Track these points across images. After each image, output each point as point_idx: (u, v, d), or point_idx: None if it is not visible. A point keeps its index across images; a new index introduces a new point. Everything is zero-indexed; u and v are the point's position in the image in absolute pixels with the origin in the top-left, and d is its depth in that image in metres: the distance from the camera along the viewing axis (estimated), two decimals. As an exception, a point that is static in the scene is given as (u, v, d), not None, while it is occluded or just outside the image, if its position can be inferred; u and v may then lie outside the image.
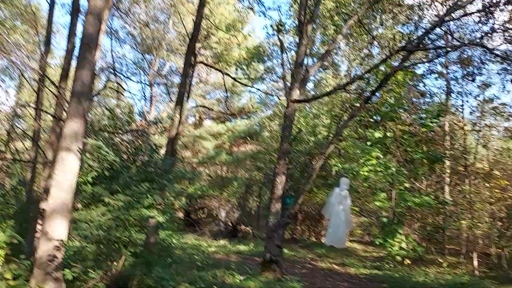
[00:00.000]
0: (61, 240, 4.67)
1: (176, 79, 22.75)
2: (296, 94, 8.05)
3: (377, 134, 11.29)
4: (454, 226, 14.42)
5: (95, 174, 5.67)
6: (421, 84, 14.97)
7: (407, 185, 11.86)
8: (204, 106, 12.05)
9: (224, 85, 11.48)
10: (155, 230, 10.09)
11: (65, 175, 4.75)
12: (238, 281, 7.35)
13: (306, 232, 20.89)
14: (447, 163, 16.29)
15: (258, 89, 12.90)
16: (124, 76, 15.88)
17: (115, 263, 5.66)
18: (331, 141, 7.62)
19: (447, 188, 15.43)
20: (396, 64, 9.31)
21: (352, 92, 10.75)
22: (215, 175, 20.72)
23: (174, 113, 10.42)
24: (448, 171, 16.43)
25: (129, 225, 5.66)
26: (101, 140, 5.93)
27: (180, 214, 24.03)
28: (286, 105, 8.32)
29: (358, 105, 10.77)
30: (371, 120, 12.32)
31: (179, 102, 10.39)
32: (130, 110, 23.24)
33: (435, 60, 10.96)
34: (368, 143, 11.80)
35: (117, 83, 14.12)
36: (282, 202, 8.31)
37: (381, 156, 11.40)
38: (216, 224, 17.53)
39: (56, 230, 4.68)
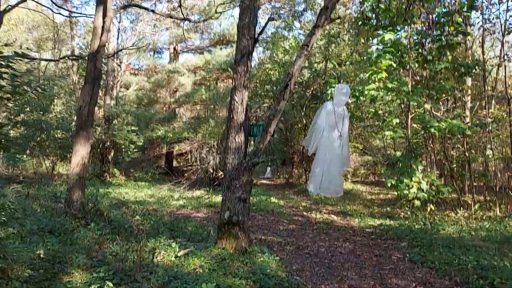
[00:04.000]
0: None
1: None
2: None
3: (388, 36, 8.08)
4: (481, 158, 11.67)
5: None
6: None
7: (427, 106, 8.84)
8: (138, 6, 8.79)
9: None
10: (79, 184, 7.28)
11: None
12: (173, 258, 4.58)
13: (303, 176, 18.19)
14: (469, 82, 13.26)
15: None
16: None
17: None
18: (316, 24, 4.52)
19: (468, 114, 12.47)
20: None
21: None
22: (191, 115, 17.80)
23: (95, 17, 7.24)
24: (470, 92, 13.44)
25: None
26: None
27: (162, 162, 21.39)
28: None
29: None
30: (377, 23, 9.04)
31: (102, 0, 7.18)
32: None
33: None
34: (374, 54, 8.63)
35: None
36: (246, 133, 5.38)
37: (394, 66, 8.27)
38: (194, 172, 14.80)
39: None
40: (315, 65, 16.12)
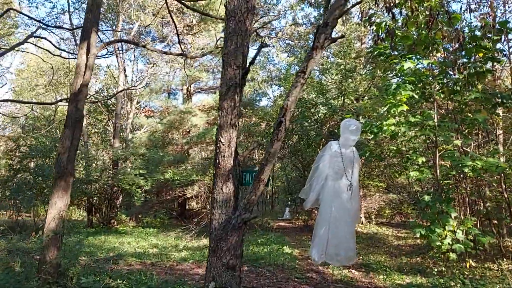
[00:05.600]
0: None
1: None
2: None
3: (408, 64, 7.15)
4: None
5: None
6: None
7: (458, 143, 7.72)
8: (126, 41, 8.14)
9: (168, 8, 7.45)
10: (54, 242, 6.38)
11: None
12: None
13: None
14: (500, 113, 12.06)
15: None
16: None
17: None
18: (315, 46, 3.61)
19: (501, 149, 11.19)
20: None
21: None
22: (203, 156, 17.02)
23: (78, 53, 6.63)
24: (502, 125, 12.21)
25: None
26: None
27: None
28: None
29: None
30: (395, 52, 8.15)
31: (85, 36, 6.59)
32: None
33: None
34: (393, 83, 7.67)
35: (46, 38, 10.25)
36: (237, 181, 4.43)
37: (416, 97, 7.26)
38: (203, 217, 13.82)
39: None
40: (332, 101, 15.28)
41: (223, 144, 4.24)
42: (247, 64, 4.46)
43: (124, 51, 16.98)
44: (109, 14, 16.47)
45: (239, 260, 4.19)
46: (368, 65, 15.49)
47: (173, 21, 7.63)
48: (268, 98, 17.17)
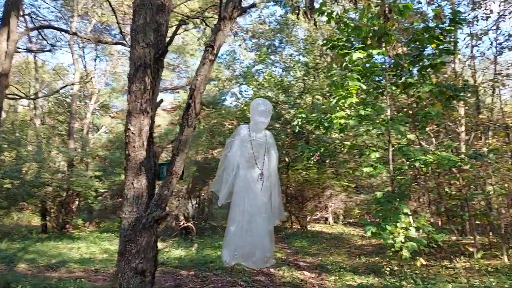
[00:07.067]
0: None
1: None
2: None
3: (357, 55, 6.82)
4: (481, 195, 10.15)
5: None
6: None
7: (411, 136, 7.46)
8: (52, 27, 7.62)
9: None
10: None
11: None
12: None
13: (288, 219, 16.49)
14: (462, 111, 11.98)
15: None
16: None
17: None
18: (222, 16, 3.15)
19: (463, 146, 11.08)
20: None
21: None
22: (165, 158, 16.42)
23: (-2, 40, 6.03)
24: (463, 122, 12.15)
25: None
26: None
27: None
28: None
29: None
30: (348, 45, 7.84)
31: (5, 21, 6.01)
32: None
33: None
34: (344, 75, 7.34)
35: None
36: (152, 175, 3.96)
37: (364, 87, 6.93)
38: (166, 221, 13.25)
39: None
40: (298, 100, 14.95)
41: (132, 133, 3.76)
42: (165, 44, 4.01)
43: (81, 46, 16.19)
44: (63, 9, 15.65)
45: (151, 263, 3.71)
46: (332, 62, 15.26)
47: (112, 8, 7.11)
48: (238, 99, 16.77)
